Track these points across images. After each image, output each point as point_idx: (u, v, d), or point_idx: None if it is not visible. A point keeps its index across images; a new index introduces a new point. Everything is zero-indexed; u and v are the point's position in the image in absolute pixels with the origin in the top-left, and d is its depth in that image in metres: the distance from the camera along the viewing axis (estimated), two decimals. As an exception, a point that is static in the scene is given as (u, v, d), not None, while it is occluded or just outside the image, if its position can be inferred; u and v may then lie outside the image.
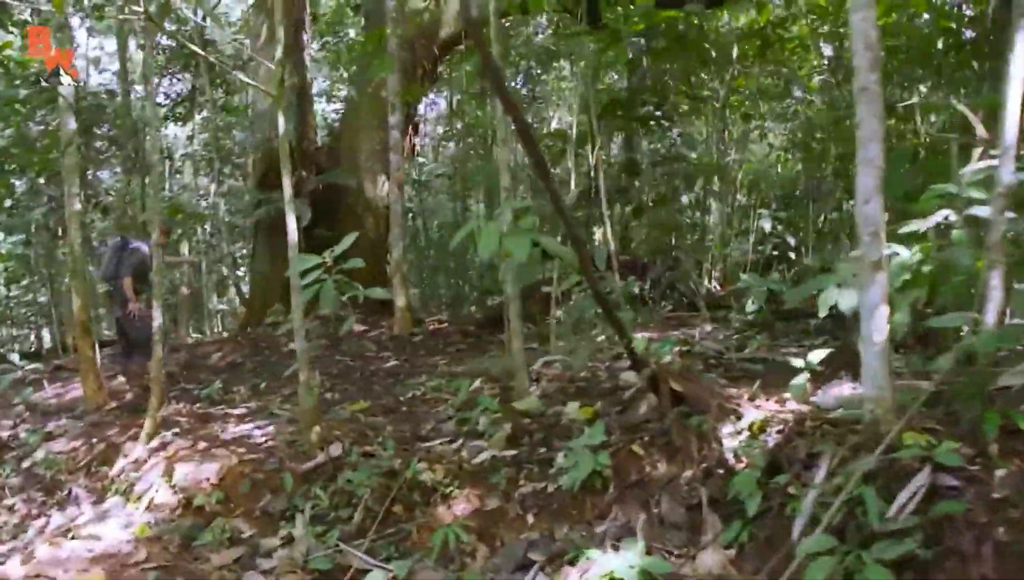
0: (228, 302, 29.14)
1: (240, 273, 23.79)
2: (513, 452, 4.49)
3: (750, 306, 7.67)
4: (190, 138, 18.35)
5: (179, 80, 19.17)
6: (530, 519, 4.11)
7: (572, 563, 3.72)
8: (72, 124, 8.37)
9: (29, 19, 10.24)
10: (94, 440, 7.44)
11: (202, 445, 6.34)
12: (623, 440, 4.22)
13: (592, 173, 19.49)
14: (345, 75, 15.57)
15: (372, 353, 9.12)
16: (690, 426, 4.05)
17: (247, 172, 20.29)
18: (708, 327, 7.55)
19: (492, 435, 4.73)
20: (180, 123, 20.30)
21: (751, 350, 5.95)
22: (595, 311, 9.12)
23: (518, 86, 20.19)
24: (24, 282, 19.03)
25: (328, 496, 4.72)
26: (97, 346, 8.76)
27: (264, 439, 6.32)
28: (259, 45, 10.64)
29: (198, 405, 7.96)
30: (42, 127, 12.57)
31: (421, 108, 11.89)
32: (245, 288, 29.03)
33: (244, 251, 26.60)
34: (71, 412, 8.68)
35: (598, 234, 19.67)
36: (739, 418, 4.11)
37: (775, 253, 12.07)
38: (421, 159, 10.96)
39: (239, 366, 9.14)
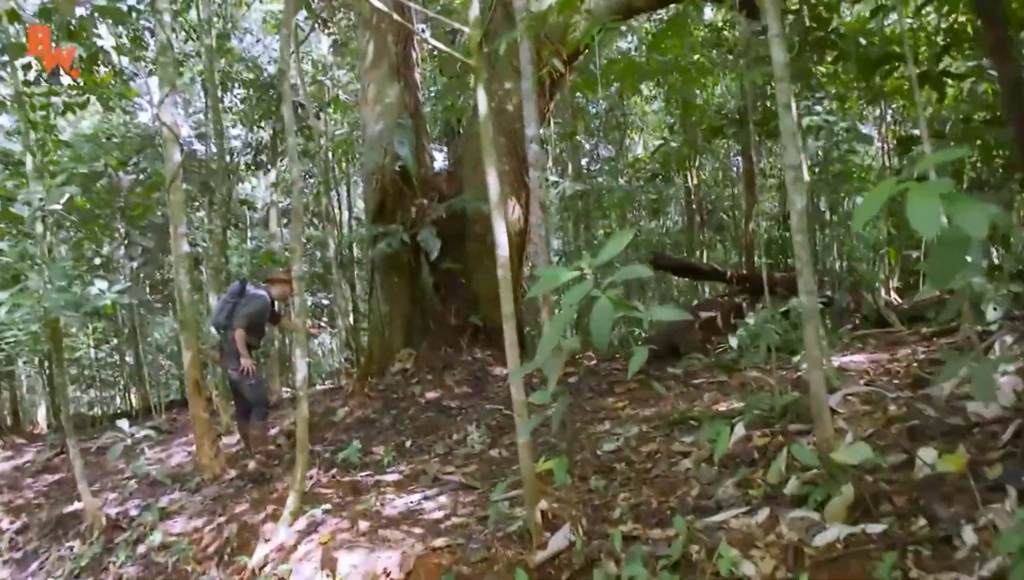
0: (311, 355, 28.26)
1: (323, 322, 22.88)
2: (878, 528, 3.02)
3: (991, 314, 6.15)
4: (274, 185, 17.44)
5: (260, 128, 18.35)
6: (943, 633, 2.63)
7: None
8: (178, 156, 7.25)
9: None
10: (221, 519, 6.14)
11: (363, 525, 4.98)
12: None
13: (691, 194, 18.22)
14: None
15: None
16: None
17: (328, 215, 19.35)
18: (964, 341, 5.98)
19: (820, 500, 3.26)
20: (262, 172, 19.48)
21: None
22: (781, 332, 7.66)
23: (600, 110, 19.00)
24: (113, 342, 18.21)
25: (591, 600, 3.29)
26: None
27: (443, 514, 4.94)
28: (366, 66, 9.52)
29: (335, 471, 6.64)
30: (133, 175, 11.63)
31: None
32: (323, 338, 28.26)
33: (325, 301, 25.78)
34: (184, 483, 7.45)
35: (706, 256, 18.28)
36: None
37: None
38: (553, 177, 9.68)
39: (372, 422, 7.81)
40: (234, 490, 6.79)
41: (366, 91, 9.48)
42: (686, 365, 7.91)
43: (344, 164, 21.16)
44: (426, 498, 5.35)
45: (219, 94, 14.71)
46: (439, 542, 4.27)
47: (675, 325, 8.96)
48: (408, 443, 6.97)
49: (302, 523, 5.24)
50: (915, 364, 5.41)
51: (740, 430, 4.17)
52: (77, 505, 7.21)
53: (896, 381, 4.89)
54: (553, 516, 3.99)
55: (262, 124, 18.10)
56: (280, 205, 21.67)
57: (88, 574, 6.11)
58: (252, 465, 7.05)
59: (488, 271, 9.66)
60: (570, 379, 8.09)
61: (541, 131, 8.44)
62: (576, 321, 10.66)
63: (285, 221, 22.84)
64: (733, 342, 8.13)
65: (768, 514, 3.35)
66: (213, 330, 7.71)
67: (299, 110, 18.05)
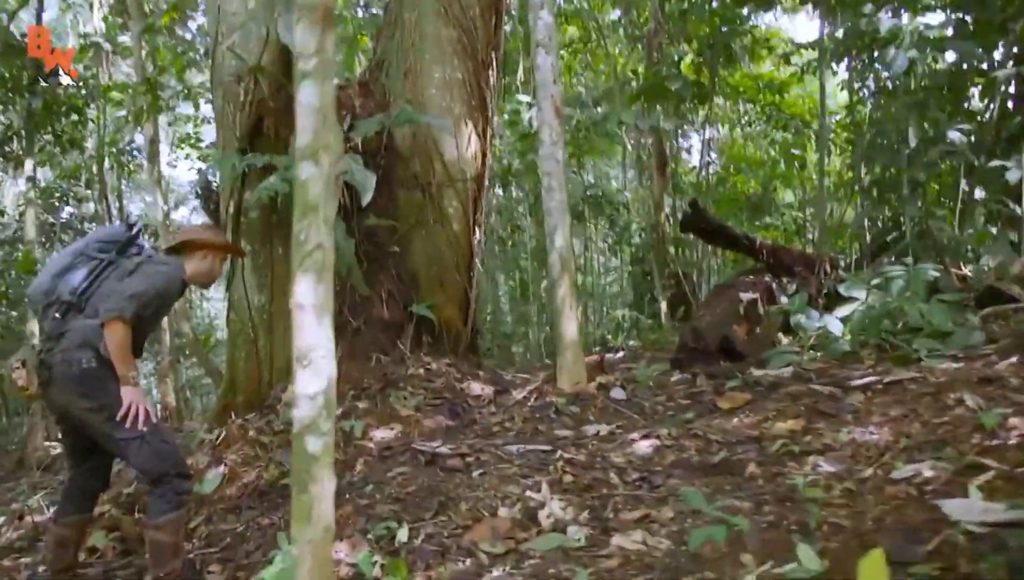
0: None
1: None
2: None
3: None
4: (30, 180, 12.34)
5: (9, 107, 13.11)
6: None
7: None
8: None
9: None
10: None
11: None
12: None
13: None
14: None
15: (568, 432, 4.12)
16: None
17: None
18: None
19: None
20: (12, 168, 14.16)
21: None
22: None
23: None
24: None
25: None
26: None
27: None
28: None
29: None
30: None
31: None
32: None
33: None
34: None
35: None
36: None
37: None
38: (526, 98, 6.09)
39: (289, 494, 3.86)
40: None
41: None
42: (782, 362, 4.76)
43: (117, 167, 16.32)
44: None
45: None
46: None
47: (717, 315, 5.83)
48: (403, 534, 3.13)
49: None
50: None
51: None
52: None
53: None
54: None
55: (11, 104, 12.92)
56: (42, 215, 16.10)
57: None
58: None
59: (434, 233, 5.97)
60: (612, 390, 4.64)
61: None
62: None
63: (43, 238, 17.17)
64: (835, 327, 5.13)
65: None
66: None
67: (61, 88, 13.20)
